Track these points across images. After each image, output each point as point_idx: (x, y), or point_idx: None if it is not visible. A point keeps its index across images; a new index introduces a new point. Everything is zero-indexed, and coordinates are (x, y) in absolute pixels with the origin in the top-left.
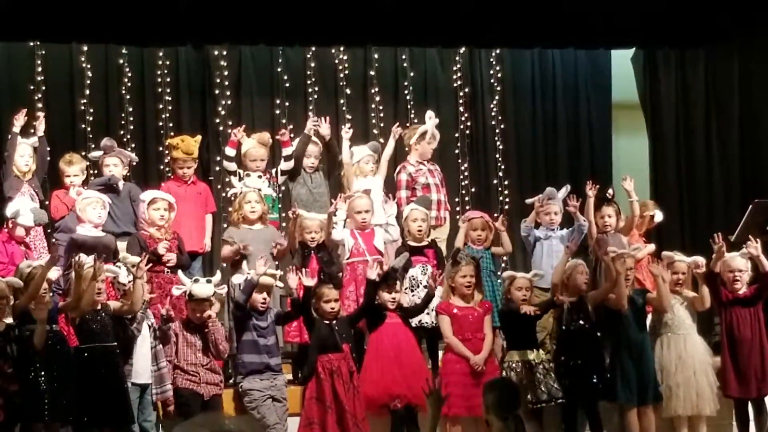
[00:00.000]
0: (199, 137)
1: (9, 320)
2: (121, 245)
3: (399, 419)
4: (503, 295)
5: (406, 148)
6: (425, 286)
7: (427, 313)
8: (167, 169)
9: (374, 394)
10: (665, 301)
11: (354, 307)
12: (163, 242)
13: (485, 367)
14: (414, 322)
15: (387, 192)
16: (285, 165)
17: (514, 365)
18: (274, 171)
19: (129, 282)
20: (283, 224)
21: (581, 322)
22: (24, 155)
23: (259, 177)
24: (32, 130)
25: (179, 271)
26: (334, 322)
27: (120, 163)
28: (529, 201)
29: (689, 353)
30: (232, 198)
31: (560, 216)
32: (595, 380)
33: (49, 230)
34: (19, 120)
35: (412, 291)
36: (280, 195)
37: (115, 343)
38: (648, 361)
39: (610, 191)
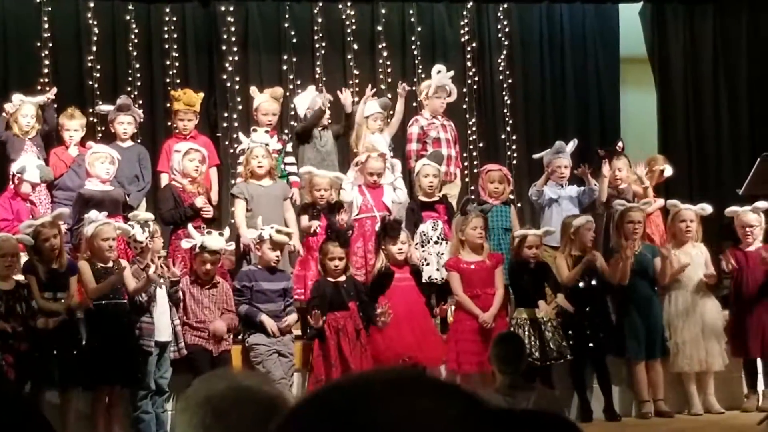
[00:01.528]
0: (201, 94)
1: (19, 277)
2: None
3: None
4: (513, 252)
5: (414, 104)
6: (436, 242)
7: (437, 269)
8: (175, 125)
9: (382, 356)
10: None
11: (361, 263)
12: (200, 197)
13: (494, 324)
14: (424, 278)
15: (392, 150)
16: (289, 158)
17: (521, 322)
18: (284, 135)
19: (146, 239)
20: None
21: (588, 278)
22: (27, 115)
23: (266, 132)
24: (39, 87)
25: (189, 225)
26: (342, 280)
27: (134, 121)
28: (536, 156)
29: (697, 310)
30: (240, 153)
31: (569, 170)
32: (602, 336)
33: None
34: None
35: (423, 246)
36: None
37: (126, 301)
38: (656, 315)
39: (620, 144)
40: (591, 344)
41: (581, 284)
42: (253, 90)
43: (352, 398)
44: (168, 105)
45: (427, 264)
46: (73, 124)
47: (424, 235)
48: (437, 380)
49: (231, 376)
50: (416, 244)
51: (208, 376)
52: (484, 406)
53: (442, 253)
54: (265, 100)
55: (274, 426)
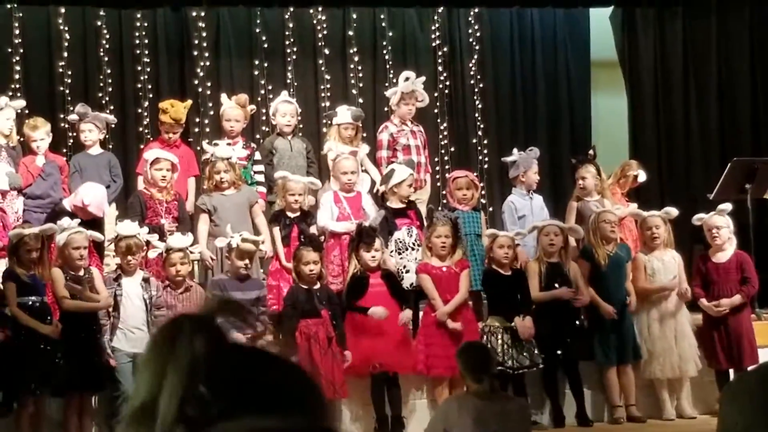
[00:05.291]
0: (189, 102)
1: None
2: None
3: (379, 381)
4: (486, 254)
5: (386, 109)
6: (412, 248)
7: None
8: (146, 131)
9: (354, 363)
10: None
11: (338, 272)
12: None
13: (462, 328)
14: (405, 285)
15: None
16: (257, 167)
17: (494, 330)
18: (252, 143)
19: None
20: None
21: (557, 286)
22: (9, 118)
23: (228, 144)
24: (18, 94)
25: (146, 237)
26: (317, 287)
27: (95, 128)
28: (510, 159)
29: (669, 316)
30: (204, 162)
31: (537, 177)
32: (573, 341)
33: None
34: None
35: (400, 254)
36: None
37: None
38: (627, 320)
39: (591, 152)
40: (562, 350)
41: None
42: (224, 97)
43: None
44: (139, 111)
45: (407, 271)
46: (38, 134)
47: (401, 242)
48: None
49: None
50: (392, 251)
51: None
52: None
53: (420, 259)
54: (229, 107)
55: None
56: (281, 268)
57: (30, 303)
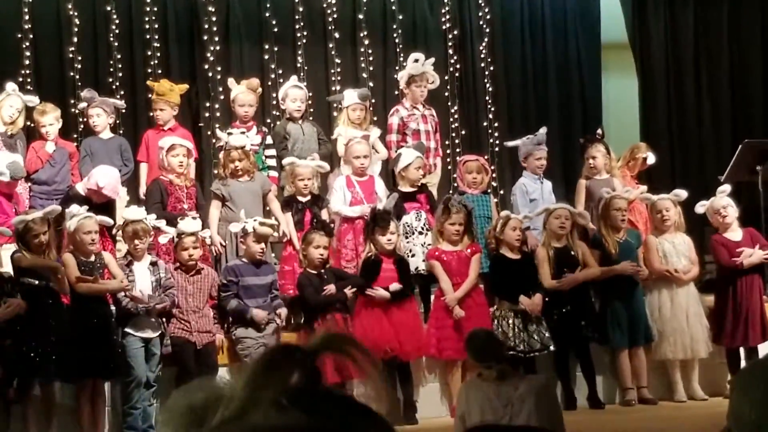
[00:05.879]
0: (184, 86)
1: (5, 269)
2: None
3: (389, 367)
4: (492, 237)
5: (396, 92)
6: (420, 232)
7: (424, 260)
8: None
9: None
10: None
11: (351, 256)
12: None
13: (463, 312)
14: (411, 269)
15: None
16: (269, 151)
17: (505, 314)
18: (263, 127)
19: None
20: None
21: (566, 271)
22: (13, 106)
23: (242, 132)
24: (29, 80)
25: (155, 222)
26: (323, 271)
27: (103, 112)
28: (511, 144)
29: (681, 298)
30: (218, 149)
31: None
32: (585, 325)
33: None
34: None
35: (407, 238)
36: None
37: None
38: (638, 302)
39: (599, 131)
40: (575, 333)
41: (561, 275)
42: (231, 81)
43: None
44: (150, 96)
45: (413, 255)
46: (47, 119)
47: (408, 226)
48: None
49: (210, 385)
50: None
51: (186, 386)
52: None
53: (429, 244)
54: (241, 92)
55: None
56: (295, 253)
57: (35, 284)
